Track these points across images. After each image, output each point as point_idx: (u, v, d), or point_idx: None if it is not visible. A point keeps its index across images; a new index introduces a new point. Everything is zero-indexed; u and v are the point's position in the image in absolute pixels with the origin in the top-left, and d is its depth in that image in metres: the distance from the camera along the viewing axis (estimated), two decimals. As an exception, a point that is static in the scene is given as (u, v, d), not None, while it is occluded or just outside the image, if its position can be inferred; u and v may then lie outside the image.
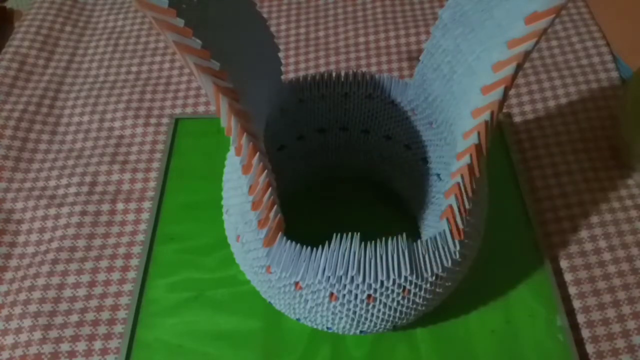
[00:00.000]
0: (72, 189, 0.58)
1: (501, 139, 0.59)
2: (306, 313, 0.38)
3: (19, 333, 0.48)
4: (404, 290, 0.35)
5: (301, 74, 0.51)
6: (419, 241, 0.35)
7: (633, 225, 0.53)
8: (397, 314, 0.37)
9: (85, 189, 0.58)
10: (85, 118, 0.64)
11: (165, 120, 0.64)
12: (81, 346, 0.47)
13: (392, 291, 0.35)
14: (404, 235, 0.35)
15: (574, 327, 0.48)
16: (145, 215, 0.56)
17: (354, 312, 0.36)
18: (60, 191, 0.58)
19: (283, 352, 0.46)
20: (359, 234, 0.35)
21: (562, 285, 0.50)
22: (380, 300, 0.35)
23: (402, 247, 0.34)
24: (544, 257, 0.51)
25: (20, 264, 0.53)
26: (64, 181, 0.59)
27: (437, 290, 0.37)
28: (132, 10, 0.77)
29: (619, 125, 0.58)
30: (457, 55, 0.39)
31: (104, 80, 0.68)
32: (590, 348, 0.47)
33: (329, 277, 0.34)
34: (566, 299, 0.49)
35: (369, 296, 0.35)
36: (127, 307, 0.50)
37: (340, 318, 0.37)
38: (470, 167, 0.34)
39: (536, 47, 0.33)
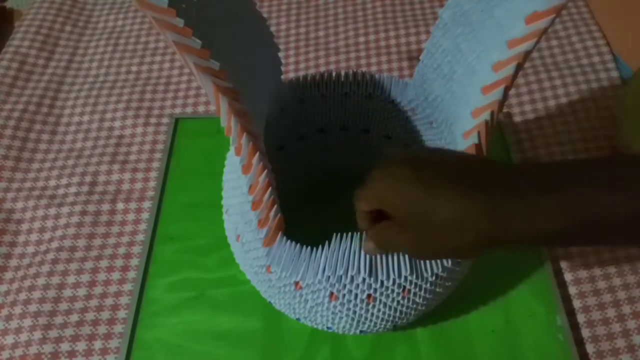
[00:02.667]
0: (72, 189, 0.58)
1: (501, 139, 0.59)
2: (306, 313, 0.38)
3: (19, 333, 0.48)
4: (404, 290, 0.35)
5: (301, 74, 0.51)
6: (419, 241, 0.35)
7: (633, 225, 0.53)
8: (397, 313, 0.37)
9: (85, 188, 0.58)
10: (85, 118, 0.64)
11: (165, 120, 0.64)
12: (81, 346, 0.47)
13: (392, 291, 0.35)
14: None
15: (574, 327, 0.48)
16: (145, 215, 0.56)
17: (354, 312, 0.36)
18: (60, 191, 0.58)
19: (283, 352, 0.46)
20: (360, 234, 0.35)
21: (562, 285, 0.50)
22: (380, 300, 0.35)
23: (402, 247, 0.34)
24: (544, 257, 0.51)
25: (20, 264, 0.53)
26: (64, 181, 0.59)
27: (437, 290, 0.37)
28: (132, 10, 0.77)
29: (619, 125, 0.58)
30: (457, 55, 0.39)
31: (104, 80, 0.68)
32: (590, 348, 0.47)
33: (329, 276, 0.34)
34: (566, 299, 0.49)
35: (369, 296, 0.35)
36: (127, 306, 0.50)
37: (340, 318, 0.37)
38: (470, 166, 0.34)
39: (536, 47, 0.33)
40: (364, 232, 0.33)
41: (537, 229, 0.26)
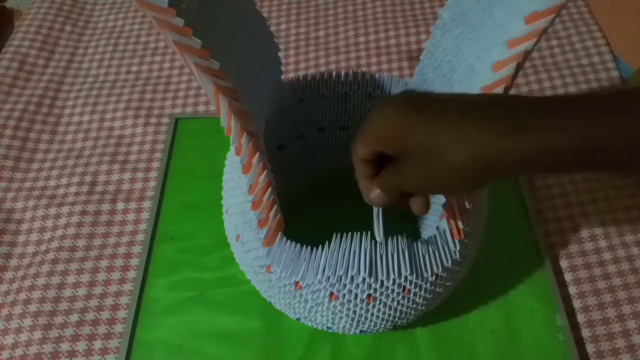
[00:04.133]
0: (72, 189, 0.58)
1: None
2: (306, 313, 0.38)
3: (19, 333, 0.48)
4: (404, 290, 0.35)
5: (301, 73, 0.51)
6: (419, 241, 0.35)
7: (633, 225, 0.53)
8: (397, 313, 0.37)
9: (85, 188, 0.58)
10: (85, 118, 0.64)
11: (165, 120, 0.64)
12: (81, 346, 0.47)
13: (392, 291, 0.35)
14: (404, 235, 0.35)
15: (574, 326, 0.48)
16: (145, 215, 0.56)
17: (354, 312, 0.36)
18: (61, 191, 0.58)
19: (283, 352, 0.46)
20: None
21: (562, 285, 0.50)
22: (380, 300, 0.35)
23: (402, 247, 0.34)
24: (544, 257, 0.51)
25: (21, 264, 0.53)
26: (64, 181, 0.59)
27: (437, 290, 0.37)
28: (132, 10, 0.77)
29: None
30: (457, 55, 0.39)
31: (104, 80, 0.68)
32: (590, 348, 0.47)
33: (329, 276, 0.34)
34: (566, 298, 0.49)
35: (369, 296, 0.35)
36: (127, 306, 0.50)
37: (340, 318, 0.37)
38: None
39: (536, 47, 0.33)
40: (368, 189, 0.32)
41: (551, 142, 0.25)
